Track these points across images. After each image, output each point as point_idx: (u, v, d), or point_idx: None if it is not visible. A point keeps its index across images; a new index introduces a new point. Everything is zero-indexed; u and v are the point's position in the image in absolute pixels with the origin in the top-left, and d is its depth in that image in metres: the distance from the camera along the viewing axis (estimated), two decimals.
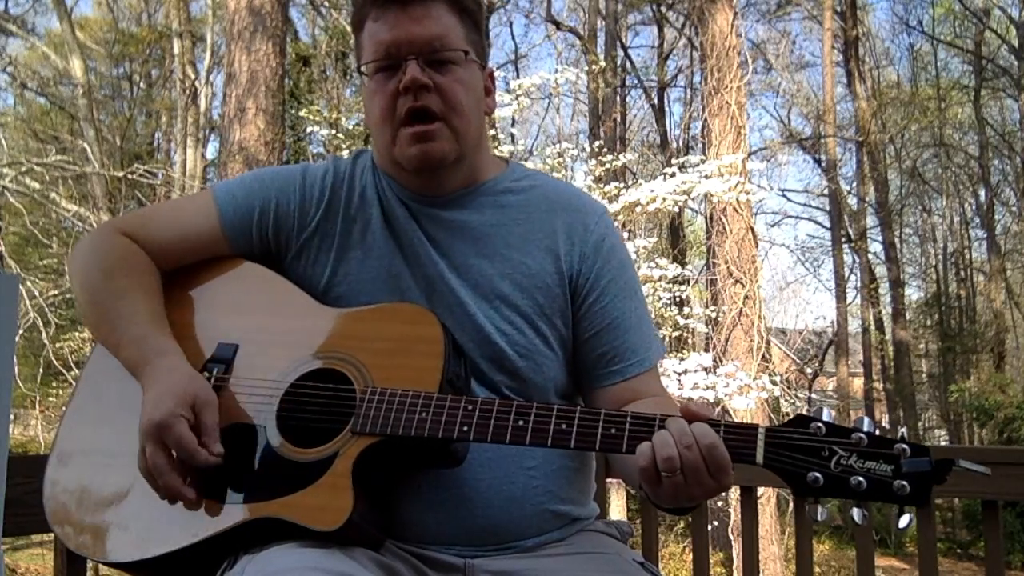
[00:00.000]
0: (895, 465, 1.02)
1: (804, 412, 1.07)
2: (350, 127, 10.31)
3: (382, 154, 1.42)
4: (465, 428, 1.18)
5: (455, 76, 1.34)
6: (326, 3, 14.26)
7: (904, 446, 1.02)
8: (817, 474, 1.04)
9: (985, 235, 21.30)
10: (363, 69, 1.38)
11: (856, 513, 1.04)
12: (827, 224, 21.05)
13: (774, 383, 8.94)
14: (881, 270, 21.34)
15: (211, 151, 17.99)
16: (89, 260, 1.42)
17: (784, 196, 21.68)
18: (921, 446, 1.02)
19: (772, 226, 21.20)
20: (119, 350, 1.33)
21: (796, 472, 1.05)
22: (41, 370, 11.78)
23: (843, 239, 19.92)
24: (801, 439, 1.06)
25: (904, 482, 1.01)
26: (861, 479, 1.02)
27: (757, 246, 10.48)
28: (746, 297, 9.44)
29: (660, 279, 8.42)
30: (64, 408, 1.44)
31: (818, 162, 20.92)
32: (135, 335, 1.31)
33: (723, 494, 1.11)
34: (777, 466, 1.06)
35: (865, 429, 1.04)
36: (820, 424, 1.06)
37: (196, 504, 1.22)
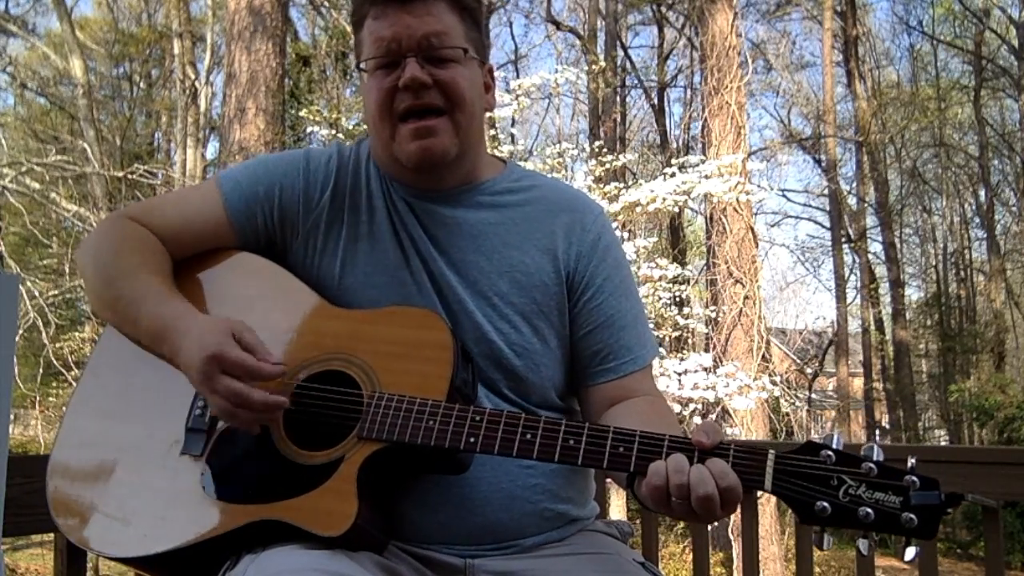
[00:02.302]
0: (904, 497, 1.01)
1: (814, 439, 1.06)
2: (350, 127, 10.27)
3: (381, 151, 1.42)
4: (472, 439, 1.17)
5: (456, 72, 1.34)
6: (326, 3, 14.23)
7: (914, 478, 1.01)
8: (825, 503, 1.03)
9: (985, 235, 21.32)
10: (363, 66, 1.38)
11: (862, 544, 1.03)
12: (827, 224, 21.07)
13: (774, 383, 8.95)
14: (881, 270, 21.37)
15: (211, 151, 18.01)
16: (101, 243, 1.42)
17: (784, 196, 21.70)
18: (931, 479, 1.01)
19: (772, 226, 21.18)
20: (138, 323, 1.32)
21: (804, 500, 1.04)
22: (41, 370, 11.77)
23: (843, 239, 19.93)
24: (810, 467, 1.05)
25: (912, 515, 1.00)
26: (869, 510, 1.01)
27: (757, 246, 10.49)
28: (746, 297, 9.44)
29: (660, 279, 8.40)
30: (68, 401, 1.43)
31: (818, 162, 20.92)
32: (154, 303, 1.31)
33: None
34: (785, 493, 1.06)
35: (875, 459, 1.03)
36: (830, 452, 1.05)
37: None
